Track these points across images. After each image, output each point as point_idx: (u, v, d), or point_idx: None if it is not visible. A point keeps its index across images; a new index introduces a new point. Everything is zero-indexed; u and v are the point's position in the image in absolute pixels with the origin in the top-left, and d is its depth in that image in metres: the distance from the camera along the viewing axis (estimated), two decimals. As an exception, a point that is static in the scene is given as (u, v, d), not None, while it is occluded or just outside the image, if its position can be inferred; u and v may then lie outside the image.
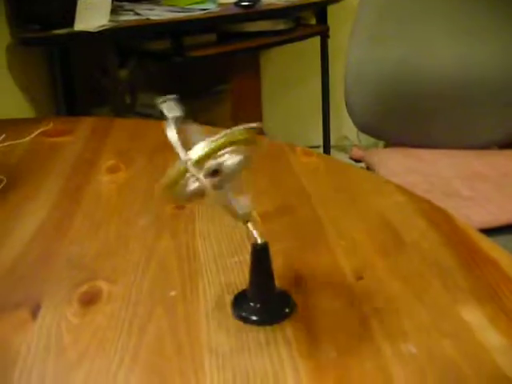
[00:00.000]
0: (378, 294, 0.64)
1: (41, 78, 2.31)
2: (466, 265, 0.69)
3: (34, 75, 2.25)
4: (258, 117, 2.78)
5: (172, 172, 0.57)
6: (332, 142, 2.96)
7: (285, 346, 0.57)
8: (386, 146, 1.90)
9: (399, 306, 0.62)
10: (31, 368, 0.56)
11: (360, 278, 0.67)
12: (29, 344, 0.59)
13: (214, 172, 0.57)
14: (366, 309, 0.62)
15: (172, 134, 0.58)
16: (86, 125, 1.24)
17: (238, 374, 0.53)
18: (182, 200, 0.66)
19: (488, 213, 1.33)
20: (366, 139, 2.70)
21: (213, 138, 0.56)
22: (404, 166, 1.58)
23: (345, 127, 3.08)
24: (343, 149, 3.08)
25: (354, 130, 1.84)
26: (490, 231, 1.22)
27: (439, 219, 0.80)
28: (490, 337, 0.57)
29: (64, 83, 2.35)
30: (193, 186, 0.57)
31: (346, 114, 1.70)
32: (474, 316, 0.60)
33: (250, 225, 0.59)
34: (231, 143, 0.56)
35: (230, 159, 0.56)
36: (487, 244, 0.73)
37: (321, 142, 2.88)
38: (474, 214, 1.32)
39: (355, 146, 2.79)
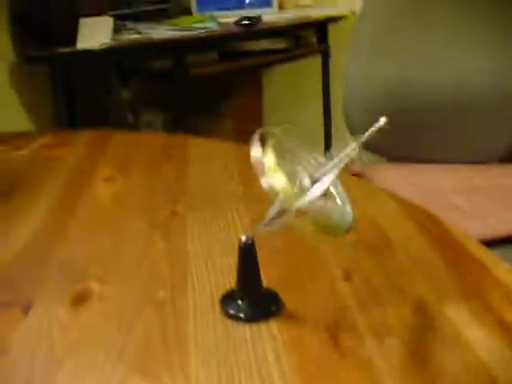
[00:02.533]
0: (364, 292, 0.65)
1: (43, 95, 2.33)
2: (452, 264, 0.69)
3: (36, 93, 2.28)
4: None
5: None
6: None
7: (270, 341, 0.57)
8: (387, 162, 1.90)
9: (385, 303, 0.63)
10: (21, 360, 0.57)
11: (347, 277, 0.68)
12: (19, 339, 0.60)
13: None
14: (352, 306, 0.62)
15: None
16: (84, 137, 1.26)
17: (222, 368, 0.54)
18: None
19: (485, 225, 1.34)
20: (366, 156, 2.71)
21: None
22: (402, 180, 1.59)
23: (346, 145, 3.09)
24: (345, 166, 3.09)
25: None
26: (487, 244, 1.23)
27: (427, 223, 0.81)
28: (473, 331, 0.57)
29: (66, 102, 2.37)
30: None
31: (348, 131, 1.71)
32: (457, 312, 0.60)
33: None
34: None
35: None
36: (473, 245, 0.74)
37: (322, 160, 2.89)
38: (471, 226, 1.32)
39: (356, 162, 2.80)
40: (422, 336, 0.57)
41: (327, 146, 2.90)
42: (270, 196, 0.55)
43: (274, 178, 0.55)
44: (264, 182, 0.55)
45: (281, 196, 0.55)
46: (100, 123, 2.33)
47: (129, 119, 2.52)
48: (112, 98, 2.40)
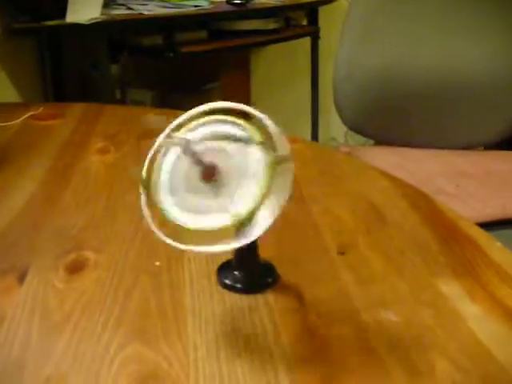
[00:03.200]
0: (359, 267, 0.66)
1: (31, 69, 2.31)
2: (445, 242, 0.70)
3: (23, 66, 2.26)
4: (247, 116, 2.79)
5: None
6: (320, 143, 2.98)
7: (267, 311, 0.58)
8: (375, 145, 1.92)
9: (380, 278, 0.63)
10: (17, 328, 0.57)
11: (342, 252, 0.68)
12: (15, 307, 0.60)
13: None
14: (347, 280, 0.63)
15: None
16: (76, 110, 1.26)
17: (220, 335, 0.55)
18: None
19: (471, 209, 1.35)
20: (353, 140, 2.72)
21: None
22: (390, 163, 1.59)
23: (333, 128, 3.10)
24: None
25: (342, 130, 1.85)
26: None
27: (420, 201, 0.82)
28: (466, 306, 0.58)
29: (54, 76, 2.35)
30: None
31: (334, 115, 1.71)
32: (451, 288, 0.61)
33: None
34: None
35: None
36: (465, 223, 0.75)
37: (309, 142, 2.90)
38: (457, 210, 1.34)
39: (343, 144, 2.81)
40: (417, 310, 0.58)
41: (313, 128, 2.90)
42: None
43: None
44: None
45: None
46: (87, 98, 2.32)
47: (117, 95, 2.50)
48: (100, 73, 2.39)
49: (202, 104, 0.59)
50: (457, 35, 1.65)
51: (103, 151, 1.01)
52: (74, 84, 2.39)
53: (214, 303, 0.60)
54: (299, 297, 0.61)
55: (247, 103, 0.59)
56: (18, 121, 1.17)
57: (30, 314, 0.59)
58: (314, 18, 2.75)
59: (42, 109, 1.24)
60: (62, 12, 1.99)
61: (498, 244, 0.69)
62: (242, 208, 0.51)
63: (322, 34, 2.74)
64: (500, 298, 0.60)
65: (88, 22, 1.98)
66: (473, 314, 0.57)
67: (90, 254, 0.69)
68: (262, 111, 0.57)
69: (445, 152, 1.65)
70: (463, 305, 0.59)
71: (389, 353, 0.52)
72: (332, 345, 0.54)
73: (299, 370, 0.51)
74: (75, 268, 0.66)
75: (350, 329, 0.56)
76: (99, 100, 2.26)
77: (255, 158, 0.52)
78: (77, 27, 1.98)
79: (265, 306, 0.59)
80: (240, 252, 0.62)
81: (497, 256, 0.67)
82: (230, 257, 0.64)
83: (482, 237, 0.71)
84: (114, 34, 2.23)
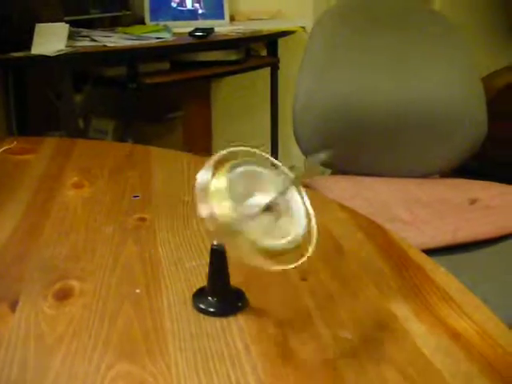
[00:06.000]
0: (319, 292, 0.73)
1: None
2: (396, 269, 0.79)
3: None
4: (208, 144, 2.87)
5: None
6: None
7: (238, 333, 0.65)
8: (332, 174, 1.99)
9: (338, 302, 0.71)
10: (14, 351, 0.63)
11: (304, 278, 0.76)
12: (10, 332, 0.66)
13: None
14: (308, 303, 0.71)
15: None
16: (49, 144, 1.31)
17: (198, 354, 0.62)
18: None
19: (425, 235, 1.43)
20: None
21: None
22: (348, 192, 1.67)
23: (292, 156, 3.19)
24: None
25: (302, 159, 1.91)
26: (426, 252, 1.32)
27: (375, 232, 0.90)
28: (413, 325, 0.67)
29: (17, 106, 2.40)
30: None
31: (294, 144, 1.78)
32: (400, 309, 0.70)
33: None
34: None
35: None
36: (414, 252, 0.83)
37: (269, 170, 2.97)
38: (412, 236, 1.42)
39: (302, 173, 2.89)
40: (371, 330, 0.66)
41: (274, 154, 2.99)
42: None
43: (217, 206, 0.61)
44: (203, 208, 0.62)
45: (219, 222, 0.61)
46: (51, 128, 2.37)
47: (80, 124, 2.55)
48: (64, 103, 2.43)
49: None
50: (413, 67, 1.75)
51: (78, 185, 1.07)
52: (38, 114, 2.43)
53: (191, 326, 0.67)
54: (266, 318, 0.68)
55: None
56: (-6, 155, 1.23)
57: (25, 338, 0.65)
58: (273, 50, 2.84)
59: (15, 143, 1.30)
60: (28, 44, 2.04)
61: (442, 269, 0.78)
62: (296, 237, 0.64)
63: (281, 64, 2.84)
64: (442, 317, 0.68)
65: (53, 54, 2.03)
66: (419, 331, 0.66)
67: (74, 283, 0.75)
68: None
69: (400, 180, 1.74)
70: (410, 324, 0.67)
71: (346, 366, 0.60)
72: (296, 359, 0.61)
73: (268, 382, 0.58)
74: (62, 296, 0.73)
75: (312, 346, 0.63)
76: (62, 130, 2.30)
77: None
78: (42, 59, 2.03)
79: (236, 328, 0.66)
80: (213, 279, 0.70)
81: (441, 280, 0.76)
82: (203, 284, 0.72)
83: (428, 263, 0.80)
84: (79, 65, 2.28)
